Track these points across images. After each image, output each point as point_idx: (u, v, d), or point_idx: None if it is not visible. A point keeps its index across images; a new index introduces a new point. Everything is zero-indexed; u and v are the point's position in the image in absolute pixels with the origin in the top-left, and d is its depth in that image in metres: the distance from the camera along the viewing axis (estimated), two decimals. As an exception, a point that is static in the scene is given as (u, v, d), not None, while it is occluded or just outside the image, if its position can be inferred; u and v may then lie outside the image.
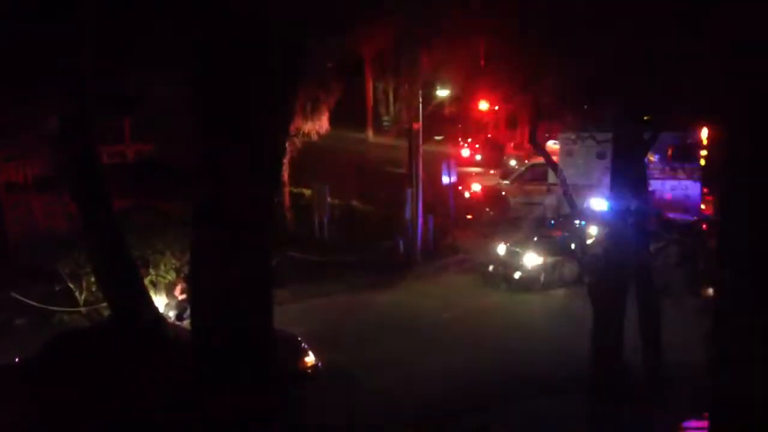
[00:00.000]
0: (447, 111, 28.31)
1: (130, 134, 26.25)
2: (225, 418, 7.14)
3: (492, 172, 35.75)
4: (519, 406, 12.06)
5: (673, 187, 24.33)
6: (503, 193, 27.86)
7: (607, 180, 10.00)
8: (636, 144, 9.62)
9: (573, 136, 21.49)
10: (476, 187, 29.27)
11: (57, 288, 15.93)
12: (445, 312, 16.79)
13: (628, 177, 9.47)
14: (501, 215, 26.00)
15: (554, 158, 16.20)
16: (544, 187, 25.99)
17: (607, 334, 9.94)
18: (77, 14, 10.86)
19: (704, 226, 20.39)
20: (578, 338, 11.68)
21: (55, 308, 15.54)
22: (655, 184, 21.24)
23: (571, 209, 13.02)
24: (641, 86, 8.85)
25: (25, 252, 17.67)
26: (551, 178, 23.17)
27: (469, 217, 26.04)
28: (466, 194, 28.33)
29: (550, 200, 24.86)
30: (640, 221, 9.65)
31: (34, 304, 15.56)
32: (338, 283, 18.73)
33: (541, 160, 20.11)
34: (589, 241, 15.50)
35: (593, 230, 16.22)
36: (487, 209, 26.88)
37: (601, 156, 19.76)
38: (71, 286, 15.71)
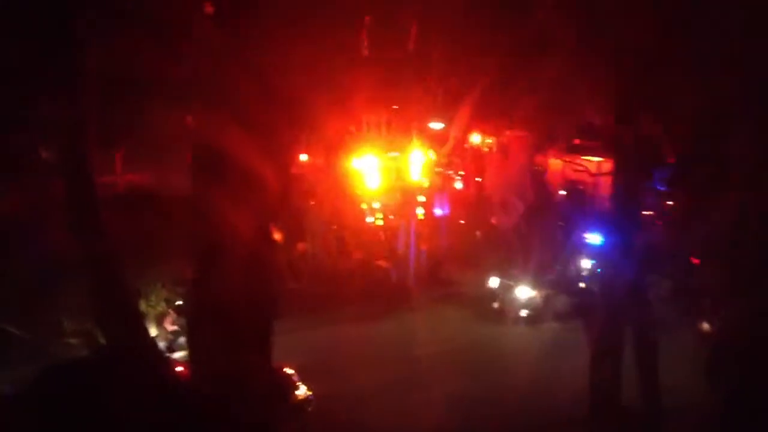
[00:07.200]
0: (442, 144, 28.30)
1: (121, 166, 26.05)
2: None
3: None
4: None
5: None
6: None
7: None
8: (639, 174, 9.51)
9: None
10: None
11: (44, 317, 15.68)
12: (435, 345, 16.60)
13: (627, 210, 9.40)
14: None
15: None
16: None
17: (605, 368, 9.82)
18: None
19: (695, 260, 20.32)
20: (570, 373, 11.55)
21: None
22: None
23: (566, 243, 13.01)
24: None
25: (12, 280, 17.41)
26: None
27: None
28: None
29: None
30: (637, 254, 9.58)
31: (16, 332, 15.29)
32: (329, 314, 18.56)
33: None
34: (583, 274, 15.46)
35: (587, 264, 16.19)
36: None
37: None
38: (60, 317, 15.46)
